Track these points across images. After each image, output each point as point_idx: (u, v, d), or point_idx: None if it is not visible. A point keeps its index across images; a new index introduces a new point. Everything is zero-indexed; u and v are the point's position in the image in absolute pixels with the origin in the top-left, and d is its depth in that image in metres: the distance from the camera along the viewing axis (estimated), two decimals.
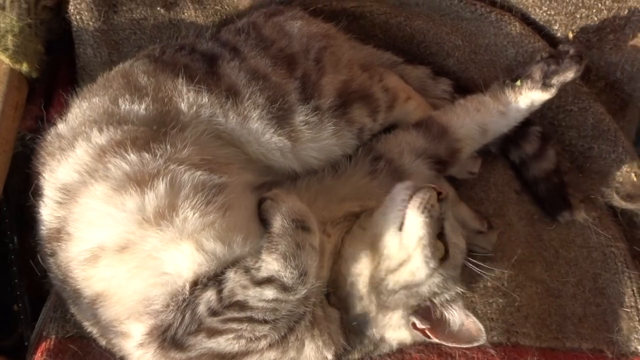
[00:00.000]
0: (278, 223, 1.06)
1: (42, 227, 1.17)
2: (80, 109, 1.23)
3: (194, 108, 1.21)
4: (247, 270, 1.03)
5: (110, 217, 1.07)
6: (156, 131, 1.17)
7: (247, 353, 1.06)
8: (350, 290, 1.18)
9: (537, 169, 1.54)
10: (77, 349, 1.29)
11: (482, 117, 1.39)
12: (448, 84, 1.56)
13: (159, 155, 1.11)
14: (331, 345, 1.14)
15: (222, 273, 1.04)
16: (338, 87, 1.33)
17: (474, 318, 1.16)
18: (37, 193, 1.22)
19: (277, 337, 1.06)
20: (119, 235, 1.06)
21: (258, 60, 1.30)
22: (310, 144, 1.27)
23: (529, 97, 1.40)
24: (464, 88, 1.55)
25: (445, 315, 1.18)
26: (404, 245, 1.15)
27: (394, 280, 1.16)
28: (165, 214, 1.05)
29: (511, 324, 1.33)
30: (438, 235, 1.17)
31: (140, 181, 1.07)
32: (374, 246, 1.18)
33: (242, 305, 1.02)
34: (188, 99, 1.22)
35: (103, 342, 1.20)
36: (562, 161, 1.60)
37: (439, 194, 1.18)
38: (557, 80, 1.39)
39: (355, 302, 1.18)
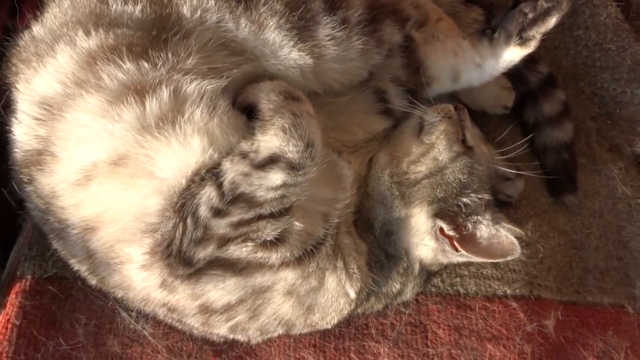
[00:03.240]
0: (265, 99, 0.96)
1: (17, 150, 1.01)
2: (61, 9, 1.05)
3: (198, 12, 1.04)
4: (244, 155, 0.92)
5: (105, 131, 0.93)
6: (155, 37, 1.01)
7: (259, 266, 0.95)
8: (373, 194, 1.12)
9: (550, 137, 1.39)
10: (57, 290, 1.15)
11: (457, 63, 1.23)
12: (480, 13, 1.39)
13: (160, 64, 0.96)
14: (356, 281, 1.04)
15: (218, 165, 0.92)
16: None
17: (506, 230, 1.08)
18: (7, 109, 1.03)
19: (289, 254, 0.95)
20: (114, 149, 0.93)
21: None
22: (335, 64, 1.10)
23: (504, 53, 1.21)
24: None
25: (473, 228, 1.09)
26: (425, 142, 1.13)
27: (417, 170, 1.11)
28: (167, 119, 0.94)
29: (534, 276, 1.25)
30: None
31: (140, 91, 0.94)
32: (394, 154, 1.14)
33: (248, 200, 0.90)
34: (191, 1, 1.04)
35: (93, 281, 1.06)
36: (590, 106, 1.49)
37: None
38: (536, 32, 1.19)
39: (378, 209, 1.11)
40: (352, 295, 1.04)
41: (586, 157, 1.46)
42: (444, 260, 1.12)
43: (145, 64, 0.96)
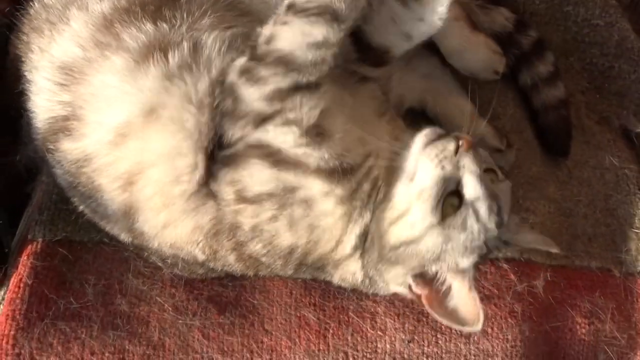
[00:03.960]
0: None
1: (39, 119, 1.03)
2: None
3: None
4: (288, 7, 0.90)
5: (135, 88, 0.96)
6: None
7: (296, 165, 0.93)
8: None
9: (549, 95, 1.43)
10: (66, 252, 1.19)
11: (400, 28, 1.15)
12: None
13: (177, 24, 0.98)
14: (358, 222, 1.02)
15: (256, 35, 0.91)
16: None
17: (477, 301, 0.98)
18: (17, 81, 1.06)
19: (326, 156, 0.93)
20: (144, 104, 0.95)
21: None
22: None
23: None
24: None
25: (445, 287, 1.02)
26: (409, 195, 1.01)
27: (395, 234, 1.01)
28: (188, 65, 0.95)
29: None
30: (454, 192, 1.00)
31: (163, 48, 0.96)
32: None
33: (285, 60, 0.88)
34: None
35: (129, 239, 1.10)
36: (580, 80, 1.54)
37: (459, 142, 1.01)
38: None
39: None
40: (354, 240, 1.03)
41: (576, 129, 1.50)
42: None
43: (164, 24, 0.97)
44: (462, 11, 1.33)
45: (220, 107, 0.92)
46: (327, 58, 0.91)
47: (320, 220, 1.01)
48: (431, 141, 1.02)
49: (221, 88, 0.93)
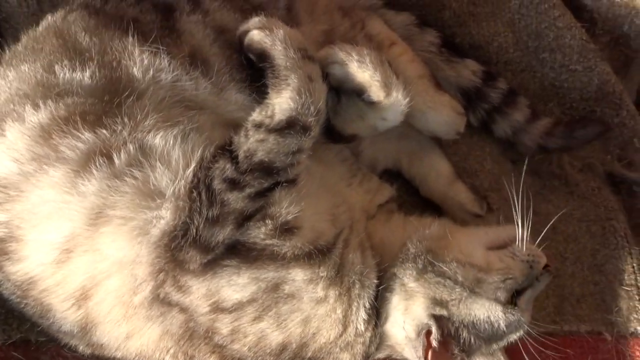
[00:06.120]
0: (282, 54, 0.96)
1: None
2: (5, 81, 1.01)
3: (151, 72, 1.01)
4: (258, 125, 0.93)
5: (76, 197, 0.90)
6: (108, 102, 0.98)
7: (272, 257, 0.93)
8: (400, 245, 1.09)
9: (539, 129, 1.35)
10: (21, 356, 1.12)
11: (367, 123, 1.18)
12: (436, 36, 1.36)
13: (119, 129, 0.94)
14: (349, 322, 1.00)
15: (230, 142, 0.93)
16: (319, 40, 1.14)
17: None
18: None
19: (300, 244, 0.94)
20: (89, 210, 0.90)
21: (224, 14, 1.07)
22: None
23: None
24: (454, 46, 1.37)
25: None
26: (488, 259, 1.04)
27: (455, 270, 1.02)
28: (137, 162, 0.93)
29: None
30: None
31: (106, 153, 0.93)
32: (448, 236, 1.07)
33: (265, 168, 0.91)
34: (142, 62, 1.01)
35: (88, 350, 1.03)
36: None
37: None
38: None
39: (396, 260, 1.07)
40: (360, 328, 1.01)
41: (558, 178, 1.44)
42: (404, 353, 1.06)
43: (104, 131, 0.94)
44: (426, 69, 1.27)
45: (204, 214, 0.90)
46: (302, 160, 0.96)
47: (314, 309, 0.97)
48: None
49: (200, 195, 0.90)
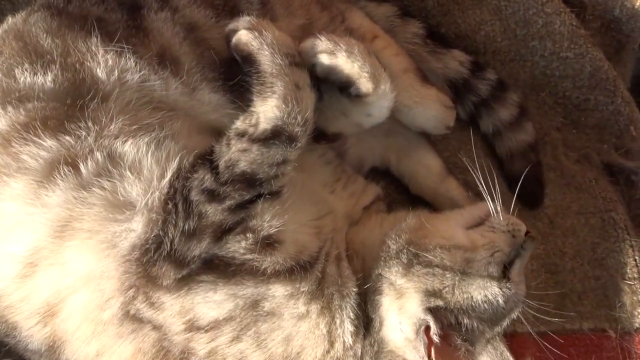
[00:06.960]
0: (268, 59, 0.91)
1: None
2: None
3: (116, 73, 0.96)
4: (241, 134, 0.88)
5: (40, 209, 0.87)
6: (71, 106, 0.94)
7: (252, 272, 0.89)
8: (379, 244, 1.03)
9: (514, 141, 1.31)
10: None
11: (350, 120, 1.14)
12: (420, 27, 1.30)
13: (83, 135, 0.90)
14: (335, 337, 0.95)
15: (211, 152, 0.88)
16: (296, 36, 1.07)
17: None
18: None
19: (281, 260, 0.89)
20: (53, 222, 0.86)
21: (194, 11, 1.02)
22: None
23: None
24: (440, 36, 1.32)
25: (462, 353, 0.97)
26: (471, 238, 1.02)
27: (441, 257, 0.98)
28: (107, 171, 0.89)
29: None
30: None
31: (71, 161, 0.89)
32: (426, 225, 1.03)
33: (247, 179, 0.87)
34: (106, 62, 0.96)
35: None
36: (554, 116, 1.43)
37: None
38: None
39: (378, 261, 1.01)
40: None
41: (554, 171, 1.39)
42: (405, 357, 0.99)
43: (68, 138, 0.90)
44: (411, 62, 1.21)
45: (180, 226, 0.85)
46: (288, 172, 0.91)
47: (296, 326, 0.92)
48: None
49: (176, 206, 0.86)
